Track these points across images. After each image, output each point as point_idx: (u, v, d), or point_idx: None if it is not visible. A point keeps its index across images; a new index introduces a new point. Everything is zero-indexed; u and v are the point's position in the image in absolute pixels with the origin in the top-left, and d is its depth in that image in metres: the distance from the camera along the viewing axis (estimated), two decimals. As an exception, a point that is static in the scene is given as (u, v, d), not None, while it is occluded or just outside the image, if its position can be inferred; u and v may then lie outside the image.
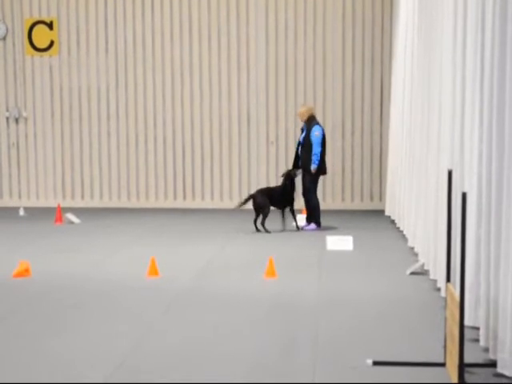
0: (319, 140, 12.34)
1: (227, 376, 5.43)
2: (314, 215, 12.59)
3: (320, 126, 12.53)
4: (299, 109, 12.96)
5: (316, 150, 12.32)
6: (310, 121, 12.52)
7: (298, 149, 12.70)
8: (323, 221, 12.78)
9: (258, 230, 12.11)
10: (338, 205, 15.43)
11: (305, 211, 13.61)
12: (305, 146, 12.47)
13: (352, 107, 15.35)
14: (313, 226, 12.56)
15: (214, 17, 15.44)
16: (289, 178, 12.36)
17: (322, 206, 15.14)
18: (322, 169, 12.49)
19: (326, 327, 6.68)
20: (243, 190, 15.50)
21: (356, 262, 9.77)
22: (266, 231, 12.03)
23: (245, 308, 7.36)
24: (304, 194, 12.66)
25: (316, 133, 12.35)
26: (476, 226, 6.06)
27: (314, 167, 12.32)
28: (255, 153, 15.57)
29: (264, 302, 7.61)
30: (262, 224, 12.06)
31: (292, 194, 12.37)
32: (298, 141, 12.89)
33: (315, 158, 12.30)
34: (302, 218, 12.92)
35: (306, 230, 12.49)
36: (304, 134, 12.56)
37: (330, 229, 12.46)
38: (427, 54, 8.94)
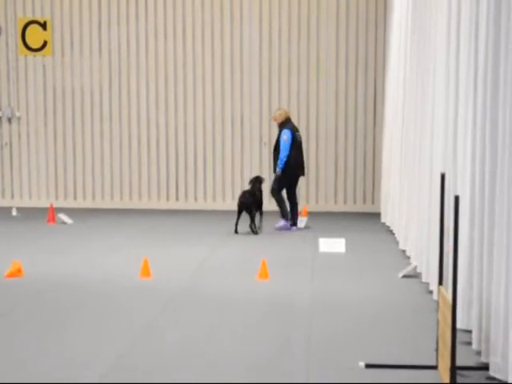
0: (287, 144, 12.42)
1: (222, 376, 5.44)
2: (281, 211, 12.63)
3: (290, 129, 12.58)
4: (274, 112, 13.13)
5: (282, 153, 12.43)
6: (283, 124, 12.66)
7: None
8: (316, 223, 12.81)
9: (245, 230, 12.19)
10: (330, 207, 15.44)
11: (303, 213, 13.69)
12: (276, 149, 12.66)
13: (345, 110, 15.37)
14: (282, 222, 12.60)
15: (207, 18, 15.44)
16: (257, 182, 12.40)
17: (315, 208, 15.21)
18: (291, 172, 12.57)
19: (318, 329, 6.70)
20: (236, 191, 15.48)
21: (348, 264, 9.79)
22: (256, 231, 12.11)
23: (238, 310, 7.37)
24: (288, 197, 12.79)
25: (284, 136, 12.47)
26: (469, 228, 6.09)
27: (277, 171, 12.49)
28: (248, 154, 15.58)
29: (257, 303, 7.62)
30: (253, 225, 12.09)
31: (261, 198, 12.34)
32: None
33: (280, 162, 12.43)
34: (301, 220, 12.98)
35: (276, 228, 12.51)
36: (277, 137, 12.75)
37: (323, 231, 12.47)
38: (420, 57, 8.96)
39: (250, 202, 12.08)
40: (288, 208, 12.68)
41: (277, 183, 12.61)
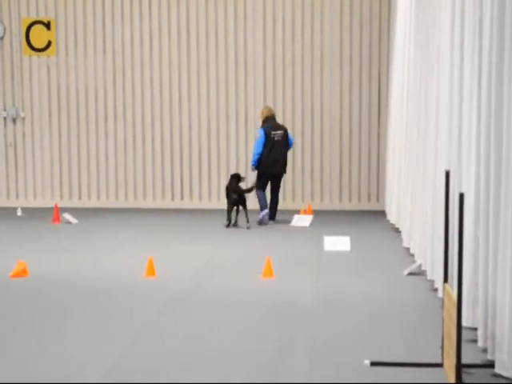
0: (258, 143, 13.04)
1: (224, 376, 5.43)
2: (259, 203, 13.08)
3: (264, 128, 13.11)
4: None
5: (254, 151, 13.13)
6: (262, 123, 13.32)
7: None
8: (321, 221, 12.80)
9: (237, 224, 12.70)
10: (335, 205, 15.41)
11: (303, 211, 13.80)
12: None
13: (350, 106, 15.34)
14: (261, 212, 12.99)
15: (211, 17, 15.43)
16: (235, 178, 12.82)
17: (320, 206, 15.19)
18: (264, 170, 13.05)
19: (323, 327, 6.69)
20: (241, 191, 15.49)
21: (353, 262, 9.77)
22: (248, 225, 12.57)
23: (242, 308, 7.36)
24: (270, 192, 13.30)
25: (257, 135, 13.27)
26: (473, 226, 6.07)
27: (251, 167, 13.21)
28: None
29: (261, 302, 7.61)
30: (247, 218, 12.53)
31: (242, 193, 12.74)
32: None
33: (252, 160, 13.15)
34: (300, 218, 13.01)
35: (260, 217, 12.92)
36: None
37: (328, 229, 12.45)
38: (425, 53, 8.94)
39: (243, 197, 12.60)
40: (266, 201, 13.11)
41: (257, 181, 13.19)
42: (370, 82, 15.27)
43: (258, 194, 13.09)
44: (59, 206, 14.62)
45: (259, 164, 12.99)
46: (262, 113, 13.35)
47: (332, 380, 5.34)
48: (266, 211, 12.91)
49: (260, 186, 13.10)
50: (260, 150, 12.94)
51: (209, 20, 15.43)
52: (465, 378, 5.23)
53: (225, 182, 15.59)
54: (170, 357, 5.86)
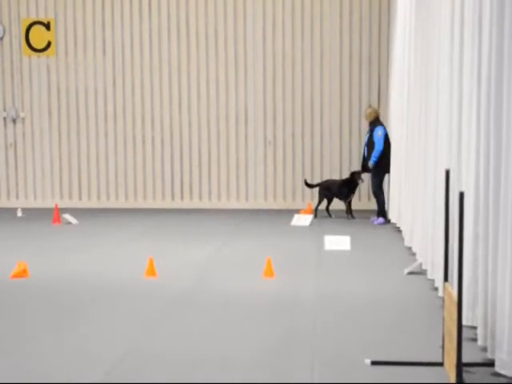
0: (381, 139, 13.12)
1: (225, 376, 5.43)
2: (379, 210, 13.30)
3: (383, 126, 13.29)
4: (366, 110, 13.78)
5: (377, 147, 13.07)
6: (374, 122, 13.31)
7: (364, 150, 13.57)
8: (321, 221, 12.78)
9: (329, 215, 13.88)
10: (336, 204, 15.39)
11: (303, 211, 13.84)
12: (369, 146, 13.29)
13: (350, 106, 15.34)
14: (380, 219, 13.22)
15: (211, 17, 15.43)
16: (351, 175, 13.71)
17: (320, 205, 15.17)
18: (385, 166, 13.17)
19: (323, 327, 6.69)
20: (241, 190, 15.50)
21: (354, 261, 9.77)
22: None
23: (243, 308, 7.36)
24: (373, 193, 13.50)
25: (379, 132, 13.18)
26: (474, 225, 6.07)
27: (370, 163, 13.15)
28: (253, 152, 15.57)
29: (262, 301, 7.61)
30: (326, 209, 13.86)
31: (349, 189, 13.64)
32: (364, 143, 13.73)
33: (373, 155, 13.09)
34: (300, 218, 13.02)
35: (374, 223, 13.15)
36: (368, 134, 13.39)
37: (328, 228, 12.46)
38: (425, 52, 8.95)
39: (320, 191, 13.85)
40: (384, 204, 13.33)
41: (375, 178, 13.33)
42: (370, 81, 15.28)
43: (379, 198, 13.26)
44: (59, 206, 14.63)
45: (379, 161, 13.10)
46: (370, 113, 13.42)
47: (333, 379, 5.34)
48: (382, 221, 13.19)
49: (378, 182, 13.27)
50: (382, 147, 13.07)
51: (208, 20, 15.44)
52: (465, 376, 5.22)
53: (225, 181, 15.63)
54: (172, 357, 5.86)
